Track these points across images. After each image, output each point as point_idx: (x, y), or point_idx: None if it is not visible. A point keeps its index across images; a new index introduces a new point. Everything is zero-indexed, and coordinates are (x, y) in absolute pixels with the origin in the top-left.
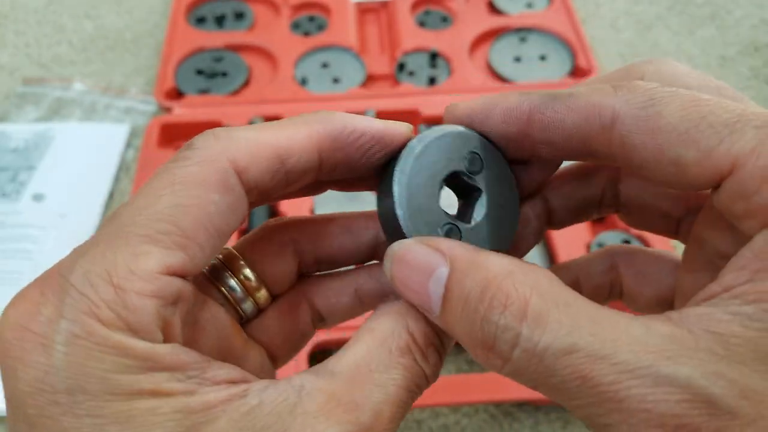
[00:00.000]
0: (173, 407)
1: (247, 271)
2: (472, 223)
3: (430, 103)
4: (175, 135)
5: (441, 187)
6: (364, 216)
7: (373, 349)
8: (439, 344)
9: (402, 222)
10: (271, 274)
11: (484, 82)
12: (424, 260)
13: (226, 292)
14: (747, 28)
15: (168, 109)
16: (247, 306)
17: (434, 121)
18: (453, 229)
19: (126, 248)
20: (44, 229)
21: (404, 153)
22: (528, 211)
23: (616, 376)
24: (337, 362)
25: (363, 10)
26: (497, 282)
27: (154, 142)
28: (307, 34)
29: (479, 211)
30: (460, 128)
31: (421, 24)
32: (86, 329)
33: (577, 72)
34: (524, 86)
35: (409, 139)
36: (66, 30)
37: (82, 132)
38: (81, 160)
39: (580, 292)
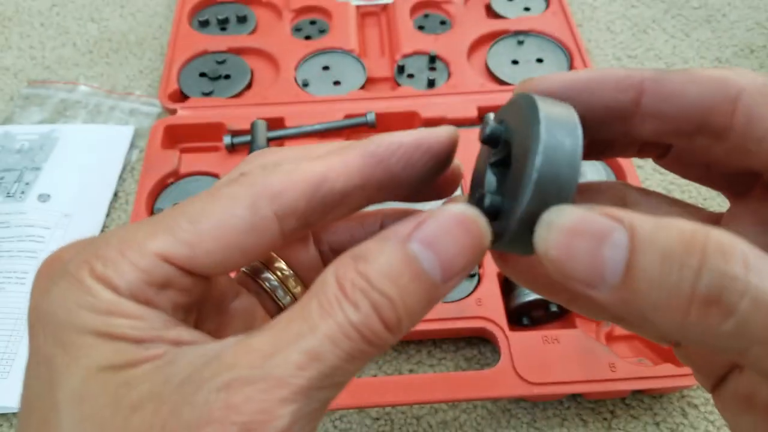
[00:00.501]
0: (115, 348)
1: (281, 264)
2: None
3: (429, 106)
4: (179, 136)
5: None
6: (374, 213)
7: (302, 302)
8: (369, 288)
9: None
10: (298, 264)
11: (483, 85)
12: (597, 225)
13: (262, 283)
14: (742, 31)
15: (172, 111)
16: (281, 295)
17: (433, 123)
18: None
19: (150, 228)
20: (49, 229)
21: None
22: None
23: None
24: (271, 321)
25: (363, 14)
26: (703, 234)
27: (158, 144)
28: (308, 37)
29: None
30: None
31: (421, 27)
32: (78, 270)
33: None
34: None
35: (453, 141)
36: (70, 32)
37: (87, 133)
38: (86, 161)
39: None
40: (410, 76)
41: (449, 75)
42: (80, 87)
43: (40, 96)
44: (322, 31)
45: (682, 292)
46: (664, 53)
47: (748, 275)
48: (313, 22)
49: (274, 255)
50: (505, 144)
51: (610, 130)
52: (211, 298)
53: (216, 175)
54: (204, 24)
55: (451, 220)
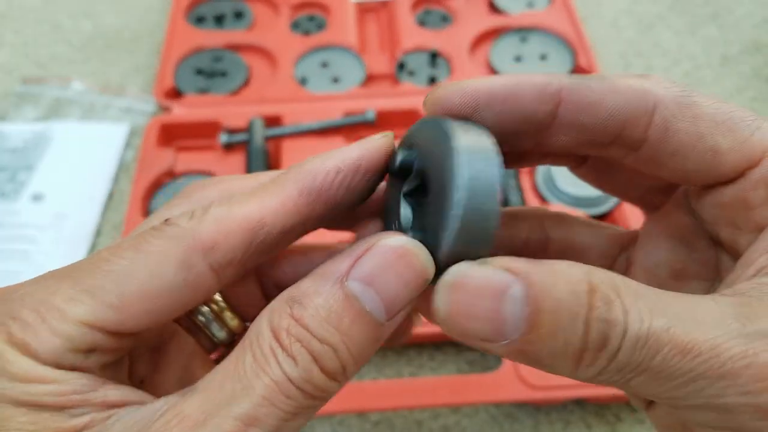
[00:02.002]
0: (35, 419)
1: (215, 296)
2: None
3: None
4: (174, 134)
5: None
6: (322, 247)
7: (237, 355)
8: (308, 337)
9: (446, 243)
10: (236, 299)
11: None
12: (493, 282)
13: (195, 318)
14: (748, 27)
15: (167, 109)
16: (216, 329)
17: None
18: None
19: (69, 289)
20: (43, 229)
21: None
22: None
23: (713, 341)
24: (205, 378)
25: (363, 10)
26: (588, 283)
27: (153, 142)
28: (306, 33)
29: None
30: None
31: (422, 23)
32: None
33: (577, 71)
34: None
35: (390, 149)
36: (64, 29)
37: (81, 132)
38: (80, 160)
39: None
40: (411, 72)
41: (451, 72)
42: (74, 84)
43: (33, 94)
44: (320, 27)
45: (576, 342)
46: (670, 50)
47: (627, 318)
48: (311, 18)
49: None
50: (418, 173)
51: (524, 141)
52: (143, 342)
53: (212, 174)
54: (200, 20)
55: (391, 255)
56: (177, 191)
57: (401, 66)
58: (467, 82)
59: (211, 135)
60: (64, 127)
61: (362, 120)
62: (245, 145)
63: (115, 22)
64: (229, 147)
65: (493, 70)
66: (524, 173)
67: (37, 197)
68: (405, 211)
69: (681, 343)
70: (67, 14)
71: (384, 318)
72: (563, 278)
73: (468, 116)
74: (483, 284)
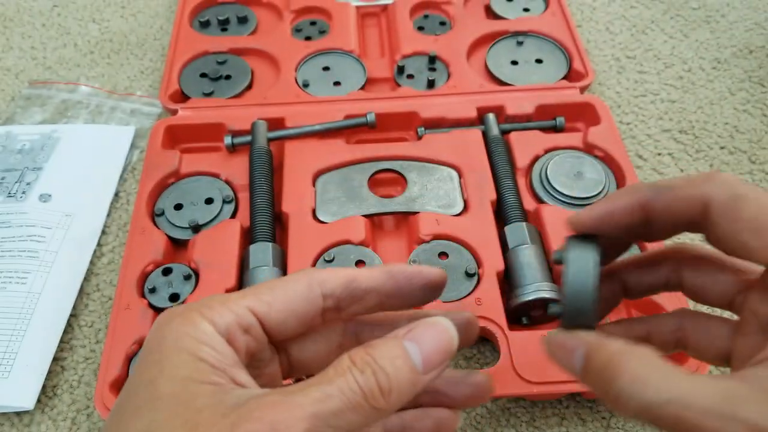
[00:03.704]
0: (198, 367)
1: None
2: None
3: (429, 106)
4: (179, 137)
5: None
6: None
7: (322, 371)
8: (373, 362)
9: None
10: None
11: (482, 85)
12: (570, 345)
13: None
14: (741, 31)
15: (173, 112)
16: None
17: (433, 122)
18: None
19: (242, 293)
20: (50, 229)
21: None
22: (611, 287)
23: (701, 418)
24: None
25: (363, 15)
26: (617, 358)
27: (159, 144)
28: (308, 38)
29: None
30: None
31: (420, 28)
32: (191, 312)
33: (572, 75)
34: (521, 89)
35: (441, 284)
36: (71, 33)
37: (88, 133)
38: (87, 161)
39: (651, 343)
40: (410, 76)
41: (449, 75)
42: (81, 87)
43: (41, 96)
44: (322, 32)
45: (602, 390)
46: (663, 53)
47: (632, 388)
48: (313, 23)
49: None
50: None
51: (628, 236)
52: (259, 362)
53: (217, 175)
54: (205, 24)
55: (431, 327)
56: (182, 192)
57: (401, 70)
58: (583, 213)
59: (216, 137)
60: (72, 129)
61: (363, 122)
62: (249, 147)
63: (122, 26)
64: (233, 149)
65: (490, 74)
66: (520, 174)
67: (44, 198)
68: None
69: (675, 416)
70: (74, 18)
71: (422, 369)
72: (604, 351)
73: (591, 231)
74: (567, 343)
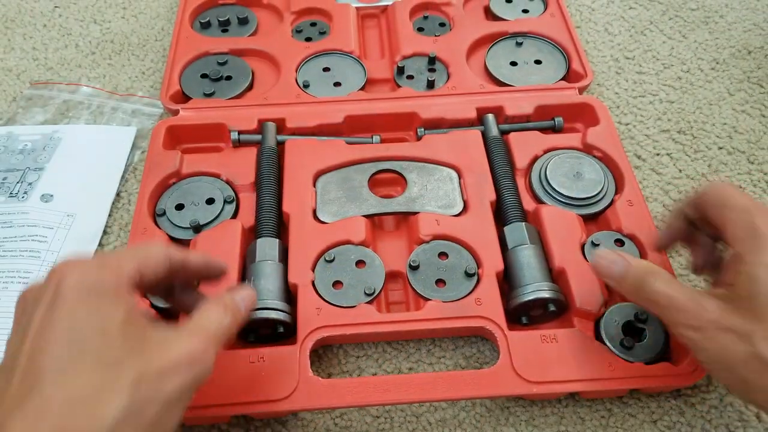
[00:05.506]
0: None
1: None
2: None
3: (429, 107)
4: (180, 137)
5: None
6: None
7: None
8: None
9: None
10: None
11: (482, 86)
12: (614, 258)
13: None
14: (739, 32)
15: (174, 112)
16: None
17: (432, 122)
18: None
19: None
20: (52, 229)
21: None
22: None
23: (681, 305)
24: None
25: (363, 16)
26: (646, 270)
27: (160, 144)
28: (309, 39)
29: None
30: None
31: (420, 29)
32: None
33: (571, 76)
34: (520, 90)
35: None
36: (73, 34)
37: (90, 134)
38: (89, 162)
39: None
40: (410, 77)
41: (449, 76)
42: (83, 88)
43: (42, 97)
44: (322, 33)
45: (633, 286)
46: (662, 54)
47: (654, 279)
48: (313, 24)
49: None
50: None
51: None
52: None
53: (217, 176)
54: (205, 26)
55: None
56: (183, 192)
57: (400, 70)
58: (661, 241)
59: (217, 137)
60: (73, 130)
61: (368, 142)
62: (255, 145)
63: (124, 27)
64: (239, 144)
65: (489, 75)
66: (519, 174)
67: (46, 198)
68: None
69: (669, 300)
70: (76, 19)
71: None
72: (641, 267)
73: (670, 247)
74: (610, 258)
